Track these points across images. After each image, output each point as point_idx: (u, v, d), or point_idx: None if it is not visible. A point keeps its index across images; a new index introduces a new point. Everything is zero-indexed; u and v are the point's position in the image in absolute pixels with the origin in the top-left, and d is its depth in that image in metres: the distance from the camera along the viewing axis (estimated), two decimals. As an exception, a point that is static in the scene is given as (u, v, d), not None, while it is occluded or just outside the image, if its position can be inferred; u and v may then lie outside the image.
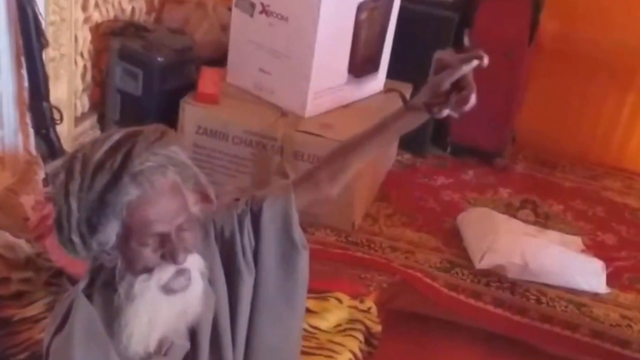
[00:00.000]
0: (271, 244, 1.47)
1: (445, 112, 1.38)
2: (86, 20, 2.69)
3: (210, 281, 1.38)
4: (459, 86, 1.36)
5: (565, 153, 3.41)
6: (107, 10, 2.81)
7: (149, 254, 1.23)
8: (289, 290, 1.51)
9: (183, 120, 2.67)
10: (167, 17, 3.12)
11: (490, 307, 2.48)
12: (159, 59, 2.68)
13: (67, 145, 2.48)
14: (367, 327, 2.21)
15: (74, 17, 2.53)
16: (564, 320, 2.43)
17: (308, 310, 2.17)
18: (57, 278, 1.96)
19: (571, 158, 3.39)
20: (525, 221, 2.88)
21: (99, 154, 1.19)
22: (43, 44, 2.22)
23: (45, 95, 2.29)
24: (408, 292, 2.51)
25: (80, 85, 2.75)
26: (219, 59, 2.95)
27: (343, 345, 2.09)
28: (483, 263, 2.57)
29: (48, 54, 2.37)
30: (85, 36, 2.70)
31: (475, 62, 1.35)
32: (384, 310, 2.37)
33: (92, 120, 2.85)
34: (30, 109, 2.33)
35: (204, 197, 1.31)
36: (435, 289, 2.50)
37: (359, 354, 2.13)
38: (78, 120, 2.76)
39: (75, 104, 2.73)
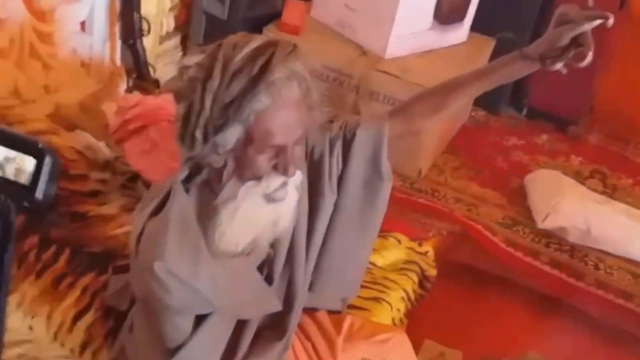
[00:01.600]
0: (358, 170, 1.52)
1: (559, 65, 1.43)
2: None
3: None
4: (577, 42, 1.40)
5: (641, 129, 3.38)
6: None
7: (263, 162, 1.28)
8: (366, 218, 1.57)
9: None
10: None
11: (547, 268, 2.51)
12: (248, -17, 2.74)
13: (151, 60, 2.57)
14: (422, 270, 2.25)
15: None
16: (620, 288, 2.45)
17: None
18: (133, 182, 2.04)
19: (646, 135, 3.37)
20: (593, 190, 2.89)
21: (238, 58, 1.23)
22: (138, -48, 2.29)
23: (137, 5, 2.37)
24: (466, 243, 2.56)
25: (168, 4, 2.82)
26: (306, -5, 3.00)
27: (396, 283, 2.13)
28: (545, 223, 2.60)
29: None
30: (174, -45, 2.78)
31: (598, 21, 1.38)
32: (441, 260, 2.42)
33: (175, 40, 2.93)
34: (121, 18, 2.41)
35: (314, 114, 1.34)
36: (494, 243, 2.55)
37: (411, 294, 2.17)
38: (162, 39, 2.84)
39: (161, 22, 2.81)
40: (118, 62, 2.54)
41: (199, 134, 1.26)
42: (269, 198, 1.31)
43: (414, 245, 2.31)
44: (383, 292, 2.09)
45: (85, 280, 1.75)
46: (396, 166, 2.69)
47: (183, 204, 1.35)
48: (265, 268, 1.49)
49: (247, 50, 1.25)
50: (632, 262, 2.54)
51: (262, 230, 1.35)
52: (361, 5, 2.75)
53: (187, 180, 1.38)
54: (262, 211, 1.32)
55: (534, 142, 3.18)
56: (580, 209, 2.60)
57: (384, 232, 2.30)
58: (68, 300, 1.71)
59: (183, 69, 1.30)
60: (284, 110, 1.25)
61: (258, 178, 1.30)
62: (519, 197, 2.78)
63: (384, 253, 2.23)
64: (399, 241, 2.30)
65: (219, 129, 1.25)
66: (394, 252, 2.25)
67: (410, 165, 2.72)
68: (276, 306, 1.51)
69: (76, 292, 1.72)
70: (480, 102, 3.20)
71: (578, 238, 2.57)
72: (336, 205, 1.54)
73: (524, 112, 3.33)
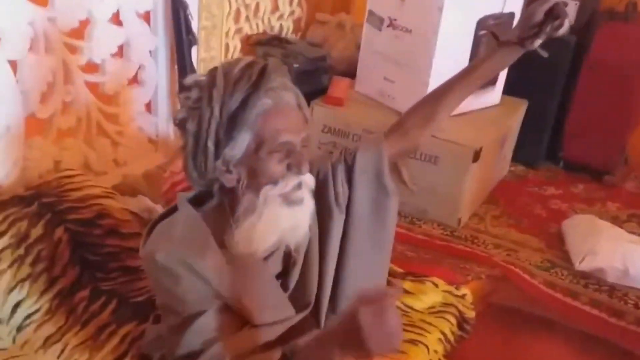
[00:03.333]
0: (364, 191, 1.36)
1: (539, 42, 1.28)
2: (237, 31, 2.64)
3: None
4: (552, 15, 1.26)
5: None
6: (257, 25, 2.75)
7: (275, 165, 1.17)
8: (378, 234, 1.39)
9: (311, 120, 2.55)
10: (310, 35, 3.03)
11: (587, 308, 2.15)
12: (295, 65, 2.59)
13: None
14: (460, 312, 1.96)
15: (225, 26, 2.49)
16: (662, 326, 2.06)
17: (404, 291, 1.97)
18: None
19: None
20: (631, 233, 2.50)
21: (237, 69, 1.16)
22: (192, 41, 2.16)
23: (192, 86, 2.23)
24: (506, 286, 2.23)
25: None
26: (353, 73, 2.81)
27: (434, 325, 1.86)
28: (583, 265, 2.24)
29: (199, 54, 2.34)
30: (236, 45, 2.65)
31: None
32: (481, 302, 2.11)
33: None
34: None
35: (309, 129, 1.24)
36: (533, 286, 2.21)
37: (450, 336, 1.88)
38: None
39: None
40: (182, 138, 2.41)
41: (211, 144, 1.14)
42: (288, 200, 1.17)
43: (451, 288, 2.03)
44: (420, 334, 1.82)
45: (126, 328, 1.56)
46: (436, 216, 2.46)
47: (191, 212, 1.21)
48: (280, 281, 1.29)
49: (242, 63, 1.18)
50: (672, 299, 2.14)
51: (283, 234, 1.19)
52: (398, 77, 2.55)
53: (197, 208, 1.23)
54: (282, 214, 1.17)
55: (571, 192, 2.83)
56: (617, 249, 2.24)
57: (420, 277, 2.04)
58: (107, 347, 1.51)
59: (184, 98, 1.18)
60: (286, 110, 1.17)
61: (274, 182, 1.16)
62: (557, 242, 2.43)
63: (421, 297, 1.97)
64: (436, 285, 2.02)
65: (230, 136, 1.14)
66: (431, 295, 1.98)
67: (450, 215, 2.44)
68: (292, 313, 1.28)
69: (115, 340, 1.53)
70: (519, 157, 2.94)
71: (616, 278, 2.20)
72: (347, 227, 1.36)
73: (561, 164, 3.01)
